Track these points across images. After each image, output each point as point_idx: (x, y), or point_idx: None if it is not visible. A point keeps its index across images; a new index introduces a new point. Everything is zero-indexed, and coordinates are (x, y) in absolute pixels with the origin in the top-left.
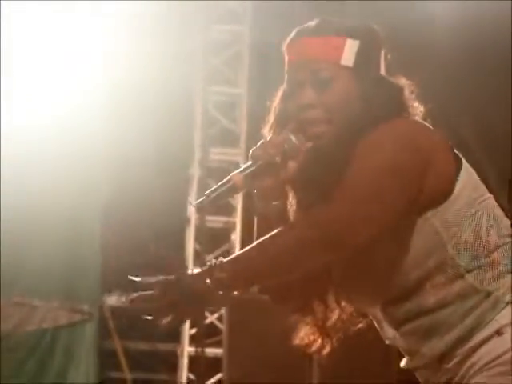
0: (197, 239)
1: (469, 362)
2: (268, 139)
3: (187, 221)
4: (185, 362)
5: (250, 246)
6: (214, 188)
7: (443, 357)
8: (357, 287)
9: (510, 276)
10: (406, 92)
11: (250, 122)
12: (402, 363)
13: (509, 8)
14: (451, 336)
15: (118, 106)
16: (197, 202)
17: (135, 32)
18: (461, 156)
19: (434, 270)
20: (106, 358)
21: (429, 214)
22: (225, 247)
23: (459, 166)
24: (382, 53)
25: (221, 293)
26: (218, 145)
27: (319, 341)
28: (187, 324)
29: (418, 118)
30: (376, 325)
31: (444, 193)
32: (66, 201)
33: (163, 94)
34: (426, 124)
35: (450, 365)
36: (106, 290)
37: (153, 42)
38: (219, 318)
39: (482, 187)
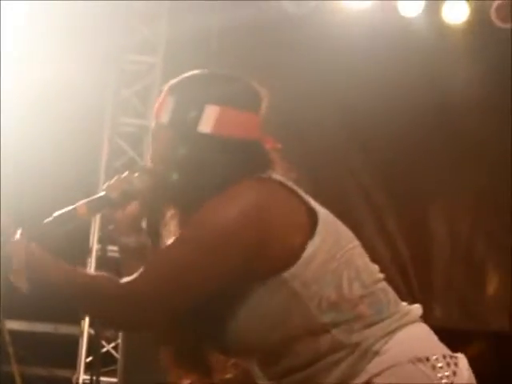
0: (98, 268)
1: None
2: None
3: (89, 250)
4: None
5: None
6: (60, 212)
7: None
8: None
9: (378, 325)
10: (254, 147)
11: None
12: None
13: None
14: None
15: (22, 134)
16: (45, 221)
17: (46, 58)
18: (318, 211)
19: (297, 330)
20: (4, 382)
21: (284, 276)
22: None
23: (314, 224)
24: (210, 107)
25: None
26: None
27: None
28: (83, 352)
29: (270, 176)
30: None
31: (288, 259)
32: None
33: (70, 122)
34: (275, 184)
35: None
36: (4, 315)
37: (62, 70)
38: (115, 348)
39: (345, 238)
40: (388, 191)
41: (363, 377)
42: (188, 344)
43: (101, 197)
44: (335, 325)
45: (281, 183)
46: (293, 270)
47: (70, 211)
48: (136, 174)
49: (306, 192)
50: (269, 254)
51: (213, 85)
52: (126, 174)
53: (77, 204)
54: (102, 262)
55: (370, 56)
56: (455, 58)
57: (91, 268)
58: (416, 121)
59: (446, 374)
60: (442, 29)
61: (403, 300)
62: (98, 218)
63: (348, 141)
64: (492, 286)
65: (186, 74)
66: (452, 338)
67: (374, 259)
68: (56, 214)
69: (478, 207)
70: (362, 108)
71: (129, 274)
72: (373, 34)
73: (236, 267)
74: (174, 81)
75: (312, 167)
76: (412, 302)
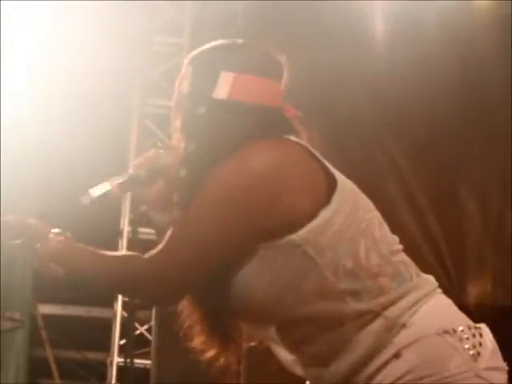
0: (129, 251)
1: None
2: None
3: (120, 232)
4: (113, 372)
5: (101, 253)
6: (93, 190)
7: (344, 382)
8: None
9: (402, 299)
10: (272, 113)
11: None
12: None
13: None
14: (349, 361)
15: (54, 117)
16: (81, 198)
17: (74, 41)
18: (338, 178)
19: (311, 295)
20: (38, 366)
21: (294, 238)
22: None
23: (332, 192)
24: (225, 73)
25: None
26: None
27: (224, 360)
28: (117, 334)
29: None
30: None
31: (297, 221)
32: None
33: (99, 105)
34: (292, 145)
35: None
36: (37, 299)
37: (91, 52)
38: (148, 330)
39: (364, 208)
40: (416, 165)
41: (391, 349)
42: (208, 312)
43: (130, 175)
44: (352, 293)
45: (300, 145)
46: (302, 233)
47: (103, 189)
48: (161, 151)
49: (334, 164)
50: (277, 213)
51: (229, 52)
52: (151, 151)
53: (109, 181)
54: (133, 244)
55: (398, 29)
56: (485, 34)
57: (122, 250)
58: (444, 94)
59: (473, 344)
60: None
61: (438, 278)
62: (128, 200)
63: (376, 113)
64: None
65: (206, 45)
66: (486, 314)
67: (405, 234)
68: (90, 191)
69: (507, 181)
70: (390, 82)
71: None
72: (401, 6)
73: (250, 226)
74: (193, 52)
75: (339, 139)
76: (446, 278)
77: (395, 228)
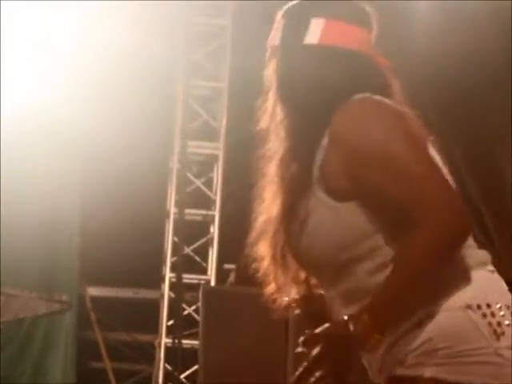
0: (175, 232)
1: (393, 350)
2: None
3: (166, 213)
4: (162, 353)
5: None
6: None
7: None
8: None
9: None
10: (365, 60)
11: (230, 116)
12: None
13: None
14: None
15: (98, 98)
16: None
17: (115, 22)
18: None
19: (363, 255)
20: (88, 348)
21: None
22: (203, 240)
23: None
24: (316, 20)
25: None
26: (198, 138)
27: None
28: (165, 315)
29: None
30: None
31: None
32: (44, 191)
33: (144, 87)
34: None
35: (380, 352)
36: (86, 282)
37: (134, 35)
38: (196, 310)
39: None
40: (454, 129)
41: (415, 318)
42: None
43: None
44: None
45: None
46: None
47: None
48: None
49: None
50: None
51: (320, 3)
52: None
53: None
54: (180, 225)
55: (441, 4)
56: None
57: (169, 231)
58: (484, 62)
59: (498, 323)
60: None
61: (479, 244)
62: (173, 180)
63: (413, 77)
64: None
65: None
66: None
67: None
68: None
69: None
70: (427, 44)
71: None
72: None
73: None
74: (285, 6)
75: None
76: (488, 245)
77: None
